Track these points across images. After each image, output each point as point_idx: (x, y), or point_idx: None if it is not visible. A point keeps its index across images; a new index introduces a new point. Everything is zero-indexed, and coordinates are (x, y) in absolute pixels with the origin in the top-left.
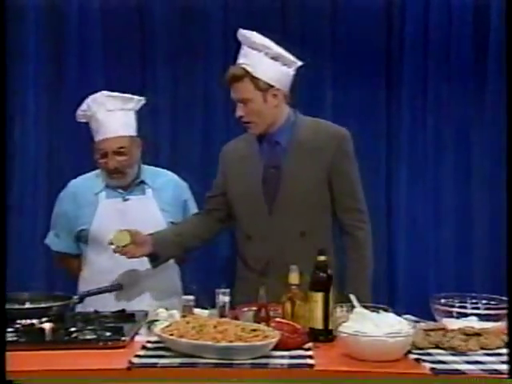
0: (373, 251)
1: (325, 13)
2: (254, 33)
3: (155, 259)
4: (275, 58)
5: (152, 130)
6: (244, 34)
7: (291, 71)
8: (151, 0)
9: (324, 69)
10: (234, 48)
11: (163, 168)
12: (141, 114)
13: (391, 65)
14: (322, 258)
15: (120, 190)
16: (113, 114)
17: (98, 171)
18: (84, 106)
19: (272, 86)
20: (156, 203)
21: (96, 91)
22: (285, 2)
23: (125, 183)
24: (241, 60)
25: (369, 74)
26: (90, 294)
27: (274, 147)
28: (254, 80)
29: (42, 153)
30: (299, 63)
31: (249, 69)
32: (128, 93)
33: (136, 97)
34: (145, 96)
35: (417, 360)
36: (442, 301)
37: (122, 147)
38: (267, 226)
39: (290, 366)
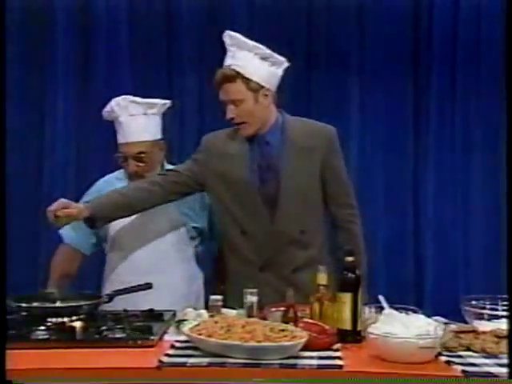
0: (399, 252)
1: (351, 15)
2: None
3: (93, 221)
4: (264, 58)
5: (178, 132)
6: (231, 35)
7: (280, 72)
8: (178, 3)
9: (351, 70)
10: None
11: None
12: (166, 115)
13: (419, 65)
14: (350, 258)
15: None
16: (135, 119)
17: (122, 171)
18: (108, 108)
19: (263, 87)
20: (177, 206)
21: (123, 92)
22: (311, 4)
23: None
24: (229, 61)
25: (396, 75)
26: (119, 293)
27: (265, 147)
28: (246, 80)
29: (71, 153)
30: (287, 63)
31: (239, 70)
32: (154, 94)
33: (160, 101)
34: (171, 97)
35: (448, 362)
36: (473, 302)
37: (141, 152)
38: (267, 226)
39: (319, 366)
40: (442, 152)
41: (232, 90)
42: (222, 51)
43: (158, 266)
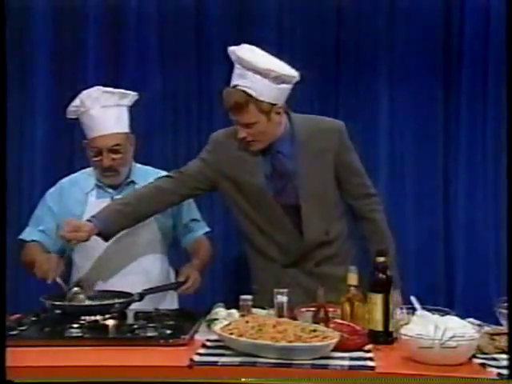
0: (430, 254)
1: (381, 12)
2: (253, 50)
3: (105, 236)
4: (276, 78)
5: (207, 132)
6: (237, 53)
7: (290, 86)
8: (207, 3)
9: (380, 70)
10: (289, 49)
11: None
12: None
13: (449, 64)
14: (381, 259)
15: (110, 190)
16: (108, 110)
17: (89, 170)
18: (77, 102)
19: (274, 105)
20: None
21: (153, 91)
22: (340, 3)
23: (117, 182)
24: (238, 81)
25: (426, 74)
26: (149, 292)
27: (276, 156)
28: (258, 103)
29: None
30: (297, 78)
31: (251, 92)
32: (183, 93)
33: (131, 92)
34: (200, 96)
35: (482, 365)
36: (507, 304)
37: (117, 144)
38: (293, 235)
39: (351, 367)
40: (472, 151)
41: (244, 115)
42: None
43: (133, 265)
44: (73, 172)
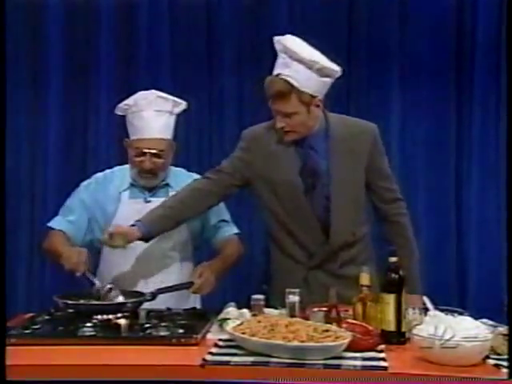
0: (442, 253)
1: (393, 13)
2: (297, 40)
3: (146, 239)
4: (319, 70)
5: (218, 132)
6: (284, 43)
7: (332, 80)
8: (218, 4)
9: (392, 71)
10: None
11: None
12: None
13: (462, 63)
14: (393, 259)
15: (144, 191)
16: (160, 115)
17: (125, 167)
18: (130, 101)
19: (314, 97)
20: None
21: (164, 91)
22: (352, 4)
23: (153, 184)
24: (281, 71)
25: (438, 73)
26: (162, 291)
27: (309, 152)
28: (299, 93)
29: (114, 153)
30: (340, 73)
31: (293, 82)
32: (195, 95)
33: (183, 102)
34: (212, 99)
35: (496, 365)
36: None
37: (161, 150)
38: (319, 235)
39: (363, 367)
40: (484, 151)
41: (285, 104)
42: (262, 53)
43: (159, 266)
44: (86, 174)
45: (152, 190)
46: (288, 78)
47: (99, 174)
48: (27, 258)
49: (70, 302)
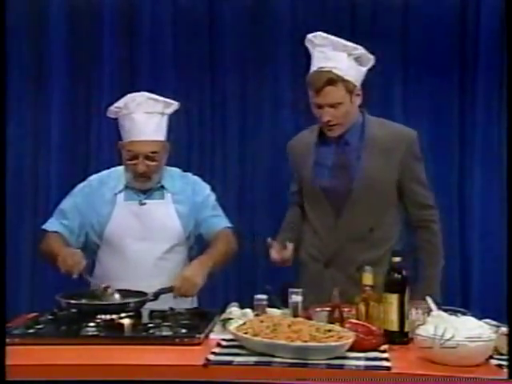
0: (445, 253)
1: (396, 12)
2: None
3: None
4: (358, 58)
5: (220, 133)
6: (326, 36)
7: (365, 69)
8: (220, 4)
9: (395, 68)
10: (303, 53)
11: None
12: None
13: (465, 62)
14: (396, 259)
15: (139, 193)
16: (151, 117)
17: (120, 168)
18: (120, 104)
19: (355, 86)
20: (174, 208)
21: (167, 95)
22: (354, 4)
23: (147, 187)
24: (324, 64)
25: (442, 72)
26: (164, 291)
27: (343, 147)
28: (345, 83)
29: (116, 155)
30: (373, 62)
31: (339, 72)
32: (198, 96)
33: (174, 102)
34: (215, 100)
35: (499, 366)
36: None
37: (154, 152)
38: (335, 224)
39: (366, 367)
40: (488, 149)
41: (334, 94)
42: (265, 53)
43: (155, 269)
44: (89, 172)
45: (147, 192)
46: (333, 69)
47: (94, 177)
48: (30, 258)
49: (72, 301)
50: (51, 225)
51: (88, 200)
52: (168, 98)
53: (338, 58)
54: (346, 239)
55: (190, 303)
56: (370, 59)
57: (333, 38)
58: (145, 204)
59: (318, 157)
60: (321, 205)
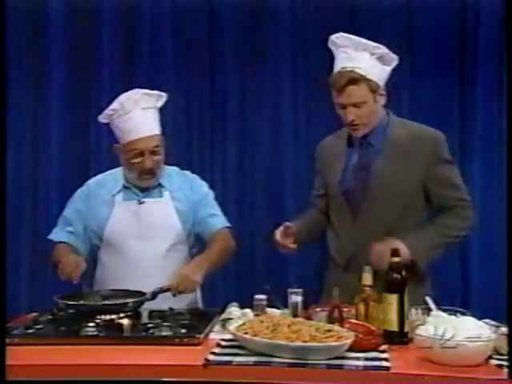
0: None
1: (398, 10)
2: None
3: None
4: (381, 57)
5: (219, 130)
6: (348, 37)
7: (390, 69)
8: (220, 2)
9: (397, 67)
10: (302, 48)
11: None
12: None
13: (465, 60)
14: (396, 259)
15: (138, 192)
16: (147, 113)
17: (116, 171)
18: (115, 105)
19: (379, 86)
20: (173, 206)
21: (166, 91)
22: (354, 4)
23: (152, 184)
24: (347, 64)
25: (441, 70)
26: (162, 290)
27: (366, 148)
28: (368, 82)
29: (115, 154)
30: (397, 61)
31: (362, 72)
32: (197, 94)
33: (164, 94)
34: (213, 97)
35: (499, 366)
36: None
37: (156, 146)
38: (352, 226)
39: (366, 367)
40: (488, 149)
41: (356, 93)
42: (264, 50)
43: (157, 268)
44: (88, 173)
45: (145, 191)
46: (356, 69)
47: (91, 180)
48: (29, 259)
49: (69, 302)
50: (56, 235)
51: (87, 203)
52: (167, 93)
53: (360, 57)
54: (363, 242)
55: (193, 302)
56: (394, 59)
57: (355, 38)
58: (143, 203)
59: (346, 161)
60: (340, 207)
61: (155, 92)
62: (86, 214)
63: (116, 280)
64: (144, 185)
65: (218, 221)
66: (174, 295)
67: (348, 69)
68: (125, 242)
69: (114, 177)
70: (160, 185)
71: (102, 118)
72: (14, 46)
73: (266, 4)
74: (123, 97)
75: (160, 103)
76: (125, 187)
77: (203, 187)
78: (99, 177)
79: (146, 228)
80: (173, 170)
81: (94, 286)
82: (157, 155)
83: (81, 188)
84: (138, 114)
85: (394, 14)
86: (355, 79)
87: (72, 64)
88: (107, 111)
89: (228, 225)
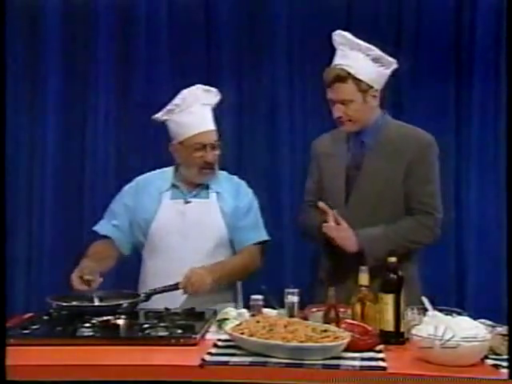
0: (440, 252)
1: (392, 10)
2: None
3: None
4: (375, 59)
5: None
6: (343, 34)
7: (388, 72)
8: (217, 4)
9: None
10: (299, 49)
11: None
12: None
13: (461, 64)
14: (392, 259)
15: (185, 192)
16: (206, 108)
17: (166, 169)
18: (177, 100)
19: (371, 87)
20: (219, 208)
21: (163, 93)
22: (350, 6)
23: (212, 179)
24: (340, 61)
25: (438, 74)
26: (156, 292)
27: (359, 147)
28: (356, 81)
29: (112, 152)
30: (395, 65)
31: (351, 70)
32: None
33: (219, 92)
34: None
35: (495, 366)
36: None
37: (216, 140)
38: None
39: (362, 367)
40: (484, 151)
41: (342, 90)
42: (260, 50)
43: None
44: (84, 175)
45: (193, 192)
46: (344, 67)
47: (140, 177)
48: (25, 259)
49: (63, 303)
50: (102, 227)
51: (135, 199)
52: (165, 96)
53: (354, 57)
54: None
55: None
56: (392, 62)
57: (350, 37)
58: (190, 202)
59: (339, 157)
60: (336, 205)
61: (213, 89)
62: (133, 209)
63: (158, 278)
64: (203, 180)
65: (250, 236)
66: (185, 293)
67: (338, 66)
68: (169, 239)
69: (164, 175)
70: (207, 186)
71: (160, 115)
72: (10, 46)
73: (262, 6)
74: (184, 92)
75: (216, 101)
76: (173, 186)
77: (248, 194)
78: (148, 174)
79: (191, 227)
80: (221, 173)
81: (139, 289)
82: (216, 150)
83: (129, 184)
84: (199, 109)
85: (390, 16)
86: (342, 77)
87: (68, 66)
88: (169, 106)
89: (262, 239)
